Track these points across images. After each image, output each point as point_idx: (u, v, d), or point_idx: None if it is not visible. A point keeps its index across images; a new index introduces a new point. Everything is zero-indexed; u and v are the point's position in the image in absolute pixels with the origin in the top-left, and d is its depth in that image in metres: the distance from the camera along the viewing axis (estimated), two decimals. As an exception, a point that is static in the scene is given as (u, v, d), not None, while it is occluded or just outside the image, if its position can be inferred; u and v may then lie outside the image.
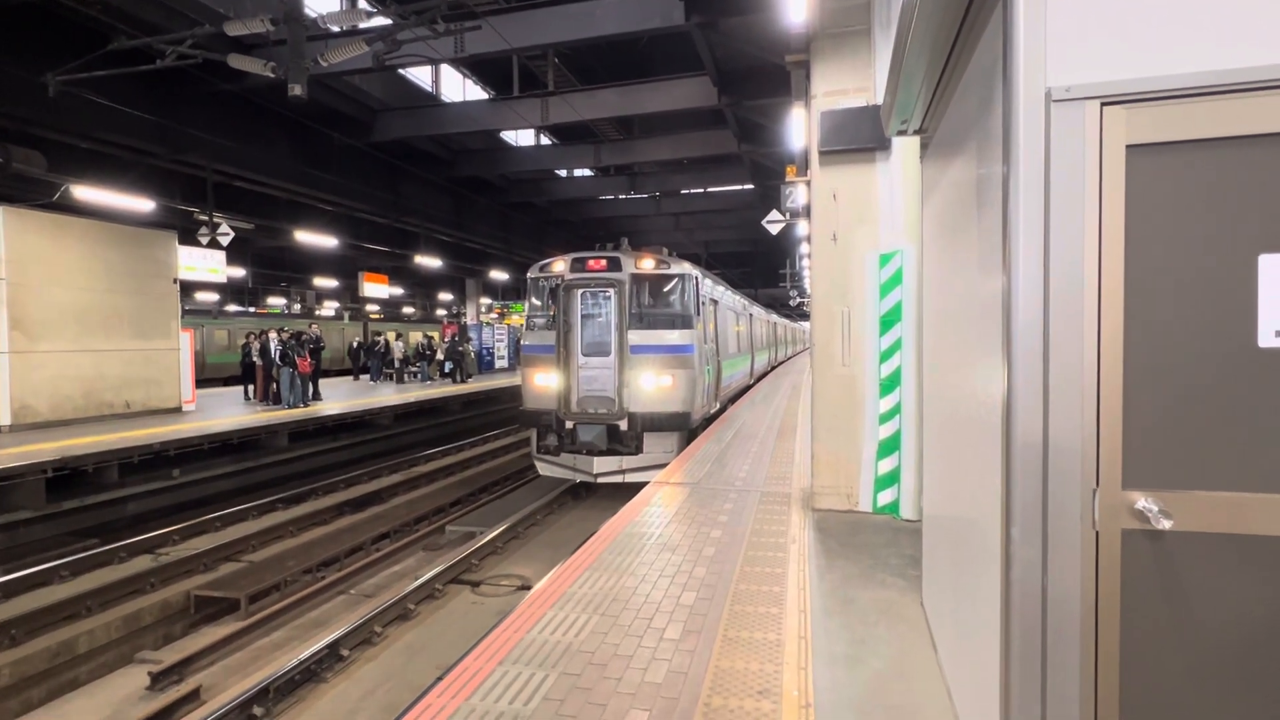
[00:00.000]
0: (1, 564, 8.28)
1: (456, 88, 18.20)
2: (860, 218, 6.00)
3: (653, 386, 10.57)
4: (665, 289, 11.18)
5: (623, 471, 10.51)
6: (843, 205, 6.04)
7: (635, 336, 10.66)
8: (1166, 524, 1.76)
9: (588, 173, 23.32)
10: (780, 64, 7.75)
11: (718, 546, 5.12)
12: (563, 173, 23.30)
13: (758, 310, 25.35)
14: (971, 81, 2.49)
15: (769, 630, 3.71)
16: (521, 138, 21.00)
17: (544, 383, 10.96)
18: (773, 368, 30.30)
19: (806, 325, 44.75)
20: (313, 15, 8.45)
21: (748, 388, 19.81)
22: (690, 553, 4.98)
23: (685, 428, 10.73)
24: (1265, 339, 1.73)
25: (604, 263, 10.91)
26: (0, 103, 10.51)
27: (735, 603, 4.08)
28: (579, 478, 10.93)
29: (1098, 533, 1.82)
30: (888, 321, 5.73)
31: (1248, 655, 1.74)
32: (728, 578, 4.48)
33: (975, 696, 2.48)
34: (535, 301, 11.64)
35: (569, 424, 10.83)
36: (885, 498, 5.85)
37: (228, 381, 24.29)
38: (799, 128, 9.06)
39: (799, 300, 36.92)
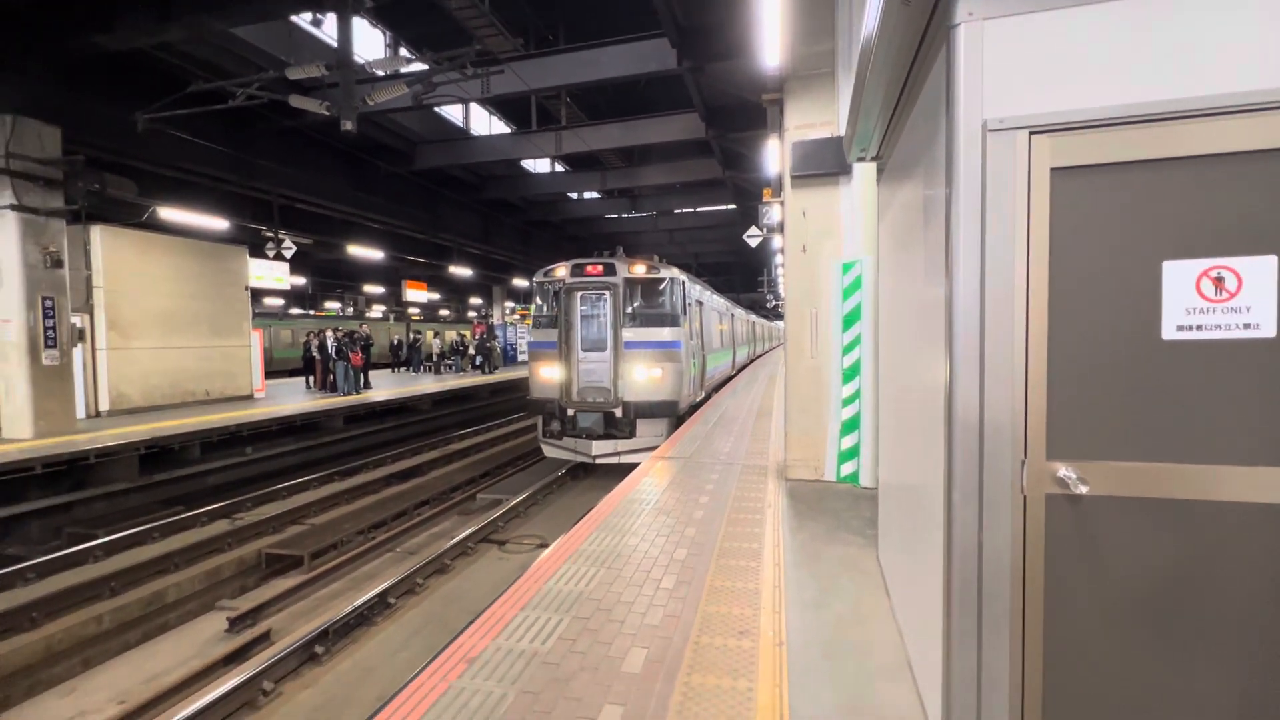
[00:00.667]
0: (103, 527, 8.30)
1: (484, 123, 18.09)
2: (826, 232, 5.97)
3: (644, 378, 10.30)
4: (655, 291, 10.83)
5: (618, 454, 10.31)
6: (811, 221, 6.02)
7: (629, 334, 10.39)
8: (1083, 489, 1.76)
9: (595, 195, 23.24)
10: (758, 102, 7.71)
11: (705, 510, 5.12)
12: (574, 195, 23.20)
13: (738, 310, 24.74)
14: (920, 115, 2.47)
15: (749, 580, 3.72)
16: (539, 165, 20.90)
17: (548, 375, 10.68)
18: (752, 360, 29.60)
19: (781, 324, 44.85)
20: (361, 61, 8.40)
21: (730, 378, 19.49)
22: (682, 516, 4.98)
23: (674, 414, 10.47)
24: (1168, 333, 1.74)
25: (601, 268, 10.60)
26: (98, 138, 10.47)
27: (720, 557, 4.09)
28: (580, 458, 10.70)
29: (1025, 497, 1.82)
30: (849, 320, 5.72)
31: (1154, 600, 1.75)
32: (714, 536, 4.49)
33: (922, 636, 2.48)
34: (540, 303, 11.29)
35: (570, 411, 10.58)
36: (847, 469, 5.85)
37: (291, 373, 24.27)
38: (774, 156, 9.02)
39: (775, 303, 36.89)
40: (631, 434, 10.32)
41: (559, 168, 21.30)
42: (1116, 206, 1.76)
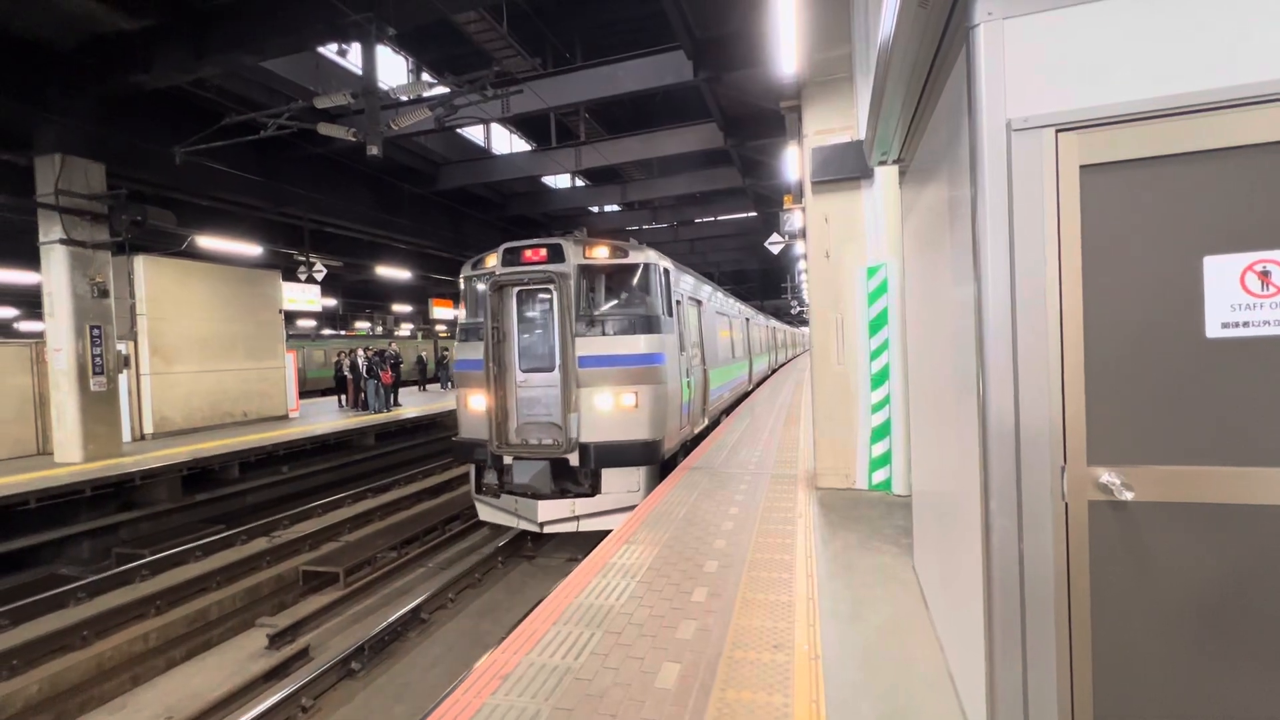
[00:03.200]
0: (149, 546, 8.56)
1: (505, 142, 18.42)
2: (849, 237, 5.91)
3: (610, 408, 7.11)
4: (624, 283, 7.69)
5: (576, 518, 7.19)
6: (834, 226, 5.97)
7: (586, 345, 7.19)
8: (1128, 495, 1.70)
9: (616, 208, 23.41)
10: (776, 109, 7.69)
11: (734, 522, 5.07)
12: (595, 209, 23.41)
13: (754, 314, 21.07)
14: (941, 117, 2.44)
15: (781, 592, 3.66)
16: (559, 181, 21.16)
17: (478, 407, 7.55)
18: (774, 371, 26.39)
19: (805, 330, 44.27)
20: (385, 87, 8.64)
21: (746, 394, 16.37)
22: (710, 527, 4.94)
23: (655, 459, 7.29)
24: (1212, 330, 1.67)
25: (544, 252, 7.38)
26: (140, 172, 10.95)
27: (751, 569, 4.04)
28: (522, 525, 7.46)
29: (1066, 504, 1.77)
30: (876, 325, 5.64)
31: (1206, 609, 1.68)
32: (744, 548, 4.44)
33: (963, 648, 2.41)
34: (469, 306, 8.03)
35: (507, 459, 7.43)
36: (879, 476, 5.74)
37: (324, 392, 24.84)
38: (794, 162, 8.98)
39: (799, 309, 36.55)
40: (594, 489, 7.22)
41: (579, 182, 21.54)
42: (1152, 202, 1.71)
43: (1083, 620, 1.76)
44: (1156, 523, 1.71)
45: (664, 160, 17.95)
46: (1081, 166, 1.75)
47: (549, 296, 7.41)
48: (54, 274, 9.96)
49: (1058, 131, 1.76)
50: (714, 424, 11.29)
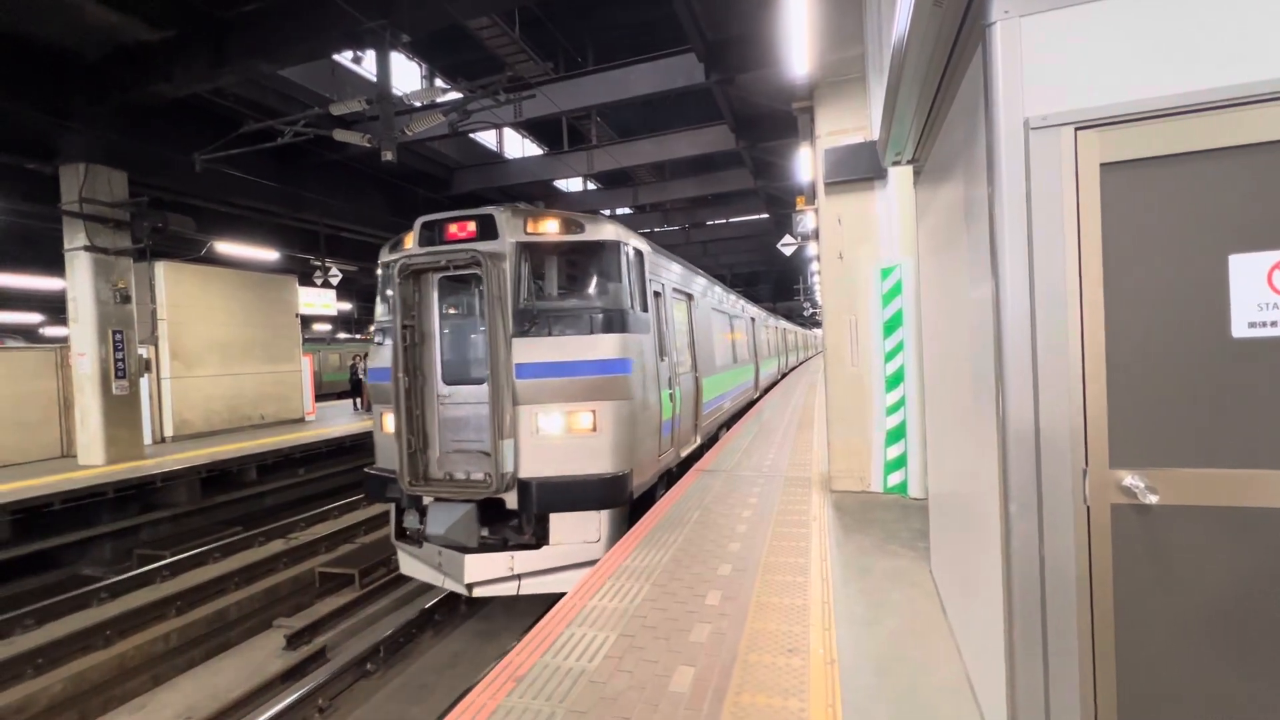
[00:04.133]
0: (170, 548, 8.69)
1: (517, 146, 18.53)
2: (862, 238, 5.88)
3: (560, 431, 5.34)
4: (582, 268, 5.83)
5: (515, 578, 5.35)
6: (847, 227, 5.94)
7: (526, 348, 5.33)
8: (1153, 498, 1.67)
9: (628, 210, 23.46)
10: (788, 110, 7.68)
11: (748, 525, 5.05)
12: (607, 212, 23.48)
13: (761, 314, 18.60)
14: (956, 116, 2.42)
15: (796, 596, 3.64)
16: (571, 185, 21.26)
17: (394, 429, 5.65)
18: (784, 375, 24.34)
19: (818, 331, 44.07)
20: (399, 93, 8.74)
21: (753, 402, 14.58)
22: (725, 530, 4.92)
23: (622, 498, 5.41)
24: (1238, 330, 1.64)
25: (473, 226, 5.58)
26: (160, 179, 11.16)
27: (766, 573, 4.01)
28: (447, 585, 5.60)
29: (1089, 507, 1.74)
30: (890, 326, 5.59)
31: (1234, 615, 1.64)
32: (758, 551, 4.41)
33: (982, 653, 2.38)
34: (386, 299, 6.06)
35: (425, 500, 5.58)
36: (894, 479, 5.68)
37: (339, 396, 25.11)
38: (806, 164, 8.94)
39: (812, 311, 36.37)
40: (538, 540, 5.39)
41: (591, 186, 21.61)
42: (1174, 200, 1.68)
43: (1106, 626, 1.73)
44: (1182, 527, 1.68)
45: (675, 162, 17.98)
46: (1102, 165, 1.72)
47: (481, 284, 5.52)
48: (78, 280, 10.18)
49: (1077, 129, 1.73)
50: (711, 440, 9.45)
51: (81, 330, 10.21)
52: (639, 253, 6.33)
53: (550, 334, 5.37)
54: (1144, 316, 1.71)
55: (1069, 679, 1.75)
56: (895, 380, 5.58)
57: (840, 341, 6.02)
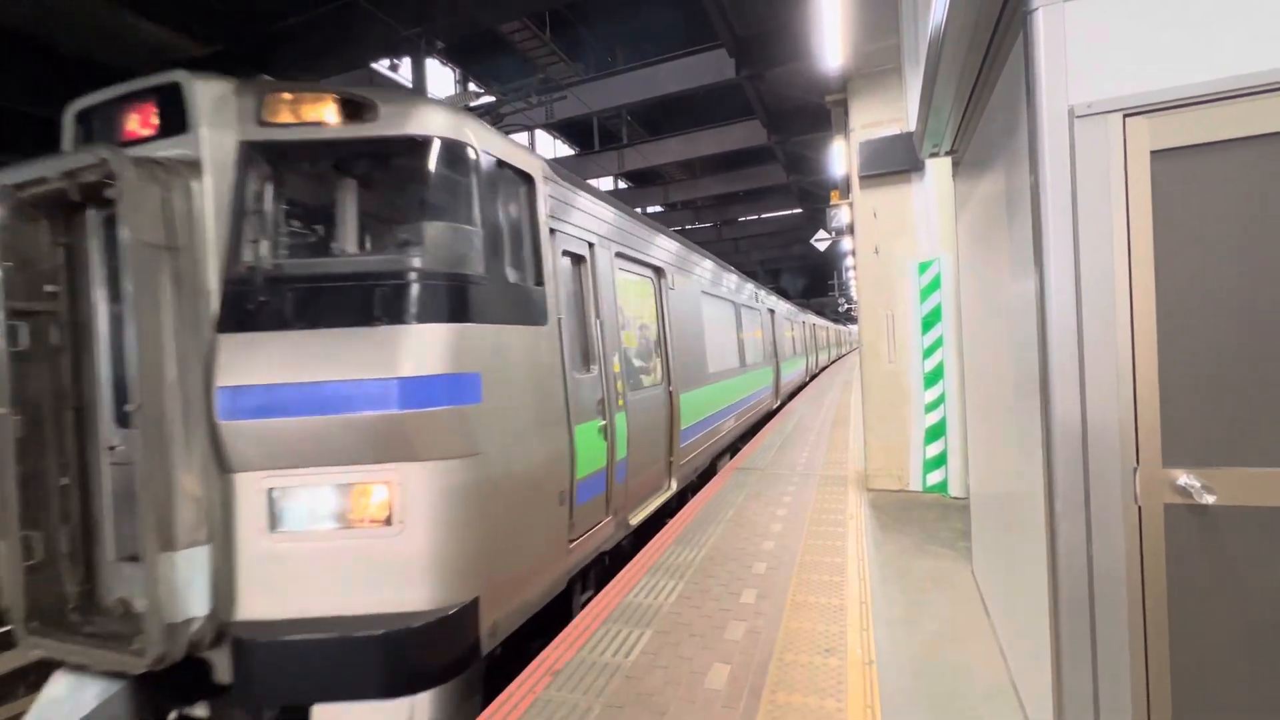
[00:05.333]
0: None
1: (548, 147, 18.73)
2: (899, 231, 5.76)
3: (321, 525, 2.65)
4: (378, 195, 3.06)
5: None
6: (883, 221, 5.83)
7: (248, 356, 2.60)
8: (1210, 498, 1.60)
9: (658, 209, 23.46)
10: (821, 103, 7.56)
11: (783, 523, 5.01)
12: (637, 210, 23.53)
13: (783, 305, 15.20)
14: (997, 106, 2.36)
15: (832, 595, 3.60)
16: (602, 184, 21.37)
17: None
18: (812, 377, 21.30)
19: (852, 328, 43.21)
20: (433, 98, 8.94)
21: (771, 414, 12.01)
22: (759, 529, 4.89)
23: (458, 661, 2.74)
24: (1303, 322, 1.56)
25: (153, 103, 2.77)
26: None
27: (801, 571, 3.98)
28: None
29: (1140, 508, 1.68)
30: (929, 321, 5.47)
31: (1300, 621, 1.56)
32: (794, 550, 4.37)
33: (1027, 656, 2.32)
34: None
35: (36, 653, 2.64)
36: (934, 478, 5.56)
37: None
38: (840, 157, 8.79)
39: (846, 307, 35.79)
40: None
41: (621, 185, 21.69)
42: (1231, 188, 1.61)
43: (1159, 631, 1.67)
44: (1241, 528, 1.61)
45: (705, 159, 17.91)
46: (1152, 152, 1.66)
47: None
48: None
49: (1125, 116, 1.67)
50: (705, 474, 7.23)
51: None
52: (518, 174, 3.43)
53: (301, 325, 2.67)
54: (1200, 309, 1.64)
55: (1119, 685, 1.69)
56: (934, 377, 5.46)
57: (877, 337, 5.91)
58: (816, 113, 10.83)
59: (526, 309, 3.34)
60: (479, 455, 2.84)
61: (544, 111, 11.60)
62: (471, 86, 14.12)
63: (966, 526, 4.27)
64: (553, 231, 3.78)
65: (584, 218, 4.36)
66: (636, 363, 5.21)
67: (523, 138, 17.16)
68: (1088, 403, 1.71)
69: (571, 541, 3.71)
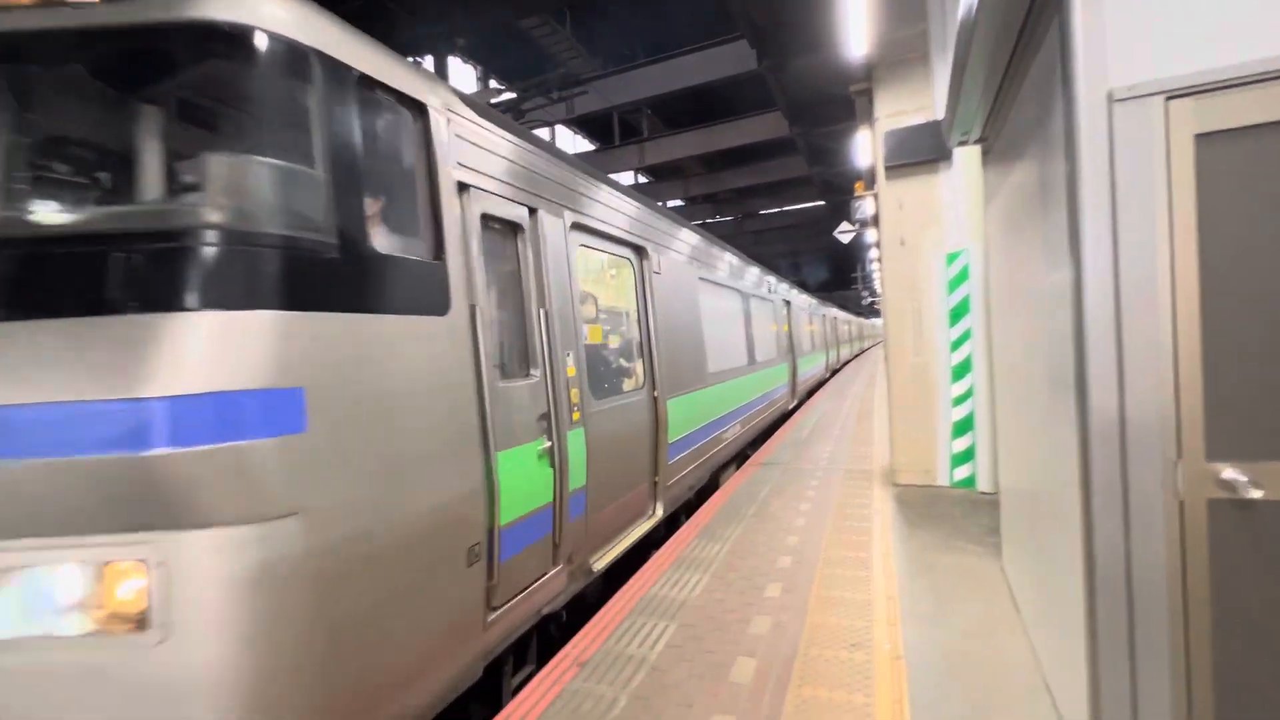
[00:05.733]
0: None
1: (568, 143, 18.76)
2: (926, 222, 5.65)
3: (24, 631, 1.60)
4: (156, 99, 1.99)
5: None
6: (909, 212, 5.72)
7: None
8: (1257, 494, 1.55)
9: (679, 203, 23.37)
10: (845, 94, 7.44)
11: (807, 518, 4.97)
12: (658, 204, 23.48)
13: (801, 297, 13.99)
14: (1030, 91, 2.30)
15: (858, 591, 3.57)
16: (622, 179, 21.36)
17: None
18: (833, 373, 20.38)
19: (876, 321, 42.55)
20: (456, 97, 9.02)
21: (787, 415, 11.32)
22: (783, 523, 4.86)
23: None
24: (1358, 311, 1.49)
25: None
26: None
27: (826, 566, 3.95)
28: None
29: (1182, 503, 1.63)
30: (957, 314, 5.37)
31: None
32: (818, 544, 4.34)
33: (1060, 655, 2.27)
34: None
35: None
36: (961, 473, 5.47)
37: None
38: (864, 148, 8.65)
39: (870, 300, 35.30)
40: None
41: (642, 179, 21.65)
42: (1281, 171, 1.54)
43: (1201, 631, 1.62)
44: (1291, 524, 1.55)
45: (726, 152, 17.78)
46: (1196, 136, 1.60)
47: None
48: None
49: (1167, 99, 1.62)
50: (703, 492, 6.20)
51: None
52: (402, 100, 2.48)
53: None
54: (1247, 297, 1.58)
55: (1159, 687, 1.65)
56: (962, 370, 5.36)
57: (902, 331, 5.82)
58: (839, 103, 10.66)
59: (411, 292, 2.30)
60: (300, 514, 1.79)
61: (564, 107, 11.62)
62: (493, 83, 14.20)
63: (995, 522, 4.20)
64: (464, 186, 2.71)
65: (521, 174, 3.24)
66: (607, 364, 4.32)
67: (543, 133, 17.22)
68: (1126, 395, 1.66)
69: (493, 611, 2.67)
